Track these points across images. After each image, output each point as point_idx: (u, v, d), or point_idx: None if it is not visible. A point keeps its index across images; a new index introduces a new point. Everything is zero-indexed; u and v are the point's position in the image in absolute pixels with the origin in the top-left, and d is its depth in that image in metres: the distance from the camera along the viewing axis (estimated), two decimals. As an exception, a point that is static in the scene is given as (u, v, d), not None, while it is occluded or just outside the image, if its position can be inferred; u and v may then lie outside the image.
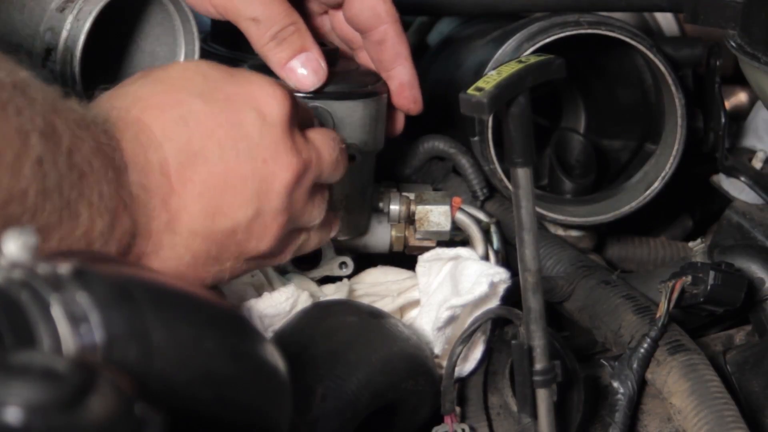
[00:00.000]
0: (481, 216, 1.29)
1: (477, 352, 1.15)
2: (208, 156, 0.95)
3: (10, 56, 0.87)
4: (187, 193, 0.94)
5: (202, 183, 0.94)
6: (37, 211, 0.81)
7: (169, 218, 0.93)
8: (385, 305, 1.20)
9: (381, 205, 1.28)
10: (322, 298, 1.20)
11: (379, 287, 1.23)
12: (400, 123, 1.27)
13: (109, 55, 1.28)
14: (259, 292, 1.19)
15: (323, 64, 1.15)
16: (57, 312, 0.63)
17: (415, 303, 1.21)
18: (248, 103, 0.97)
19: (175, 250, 0.94)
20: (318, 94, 1.17)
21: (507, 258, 1.27)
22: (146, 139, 0.92)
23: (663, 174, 1.34)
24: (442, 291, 1.16)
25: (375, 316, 1.13)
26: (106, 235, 0.87)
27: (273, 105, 0.98)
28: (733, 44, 1.22)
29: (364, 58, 1.26)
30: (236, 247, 0.98)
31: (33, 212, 0.80)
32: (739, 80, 1.47)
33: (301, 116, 1.04)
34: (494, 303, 1.14)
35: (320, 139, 1.05)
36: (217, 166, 0.95)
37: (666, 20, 1.64)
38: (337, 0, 1.20)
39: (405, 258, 1.28)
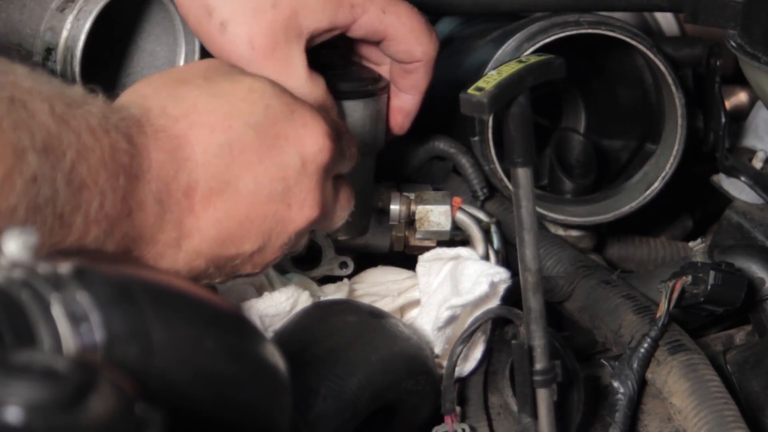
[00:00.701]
0: (482, 216, 1.29)
1: (477, 352, 1.15)
2: (240, 188, 0.94)
3: (21, 62, 0.85)
4: (206, 217, 0.93)
5: (225, 211, 0.93)
6: (25, 226, 0.79)
7: (178, 236, 0.92)
8: (386, 305, 1.20)
9: (381, 205, 1.28)
10: (322, 298, 1.20)
11: (379, 287, 1.23)
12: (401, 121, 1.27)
13: (109, 55, 1.28)
14: (259, 292, 1.19)
15: (354, 149, 1.10)
16: (57, 311, 0.63)
17: (416, 303, 1.21)
18: (295, 146, 0.96)
19: (174, 264, 0.93)
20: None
21: (507, 258, 1.27)
22: (183, 158, 0.91)
23: (663, 174, 1.34)
24: (442, 291, 1.16)
25: (375, 315, 1.13)
26: (101, 240, 0.85)
27: (317, 154, 0.97)
28: (733, 44, 1.22)
29: (381, 69, 1.25)
30: (231, 269, 0.99)
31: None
32: (739, 80, 1.47)
33: (341, 161, 1.03)
34: (494, 303, 1.14)
35: (343, 198, 1.05)
36: (245, 199, 0.94)
37: (666, 20, 1.64)
38: (375, 39, 1.19)
39: (405, 258, 1.28)
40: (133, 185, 0.87)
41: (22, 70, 0.84)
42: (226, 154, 0.93)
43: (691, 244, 1.45)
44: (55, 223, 0.81)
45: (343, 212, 1.06)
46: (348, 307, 1.16)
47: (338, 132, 1.02)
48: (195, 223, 0.92)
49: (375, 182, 1.28)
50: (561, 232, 1.38)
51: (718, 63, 1.35)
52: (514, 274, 1.10)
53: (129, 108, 0.91)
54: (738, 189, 1.36)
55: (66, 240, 0.82)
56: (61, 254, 0.72)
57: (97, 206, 0.84)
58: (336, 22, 1.13)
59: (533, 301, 0.98)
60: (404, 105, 1.24)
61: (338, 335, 1.09)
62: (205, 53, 1.26)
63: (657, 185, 1.34)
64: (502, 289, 1.14)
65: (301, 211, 0.98)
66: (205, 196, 0.92)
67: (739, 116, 1.53)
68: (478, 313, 1.13)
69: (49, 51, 1.18)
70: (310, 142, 0.97)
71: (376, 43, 1.19)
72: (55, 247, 0.82)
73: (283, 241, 0.99)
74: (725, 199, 1.37)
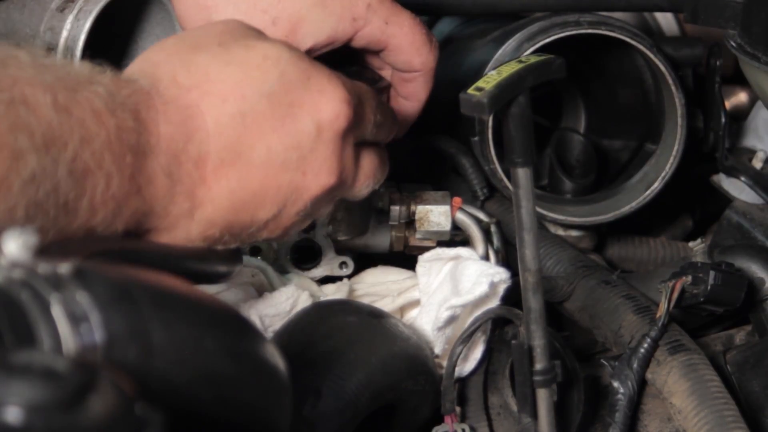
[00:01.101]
0: (482, 216, 1.29)
1: (477, 352, 1.15)
2: (253, 158, 0.93)
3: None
4: (218, 187, 0.92)
5: (238, 181, 0.93)
6: (27, 222, 0.79)
7: (191, 206, 0.91)
8: (385, 305, 1.20)
9: (381, 205, 1.28)
10: (322, 298, 1.20)
11: (379, 287, 1.23)
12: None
13: (109, 55, 1.28)
14: (259, 292, 1.19)
15: (382, 117, 1.09)
16: (57, 311, 0.63)
17: (415, 303, 1.21)
18: (310, 113, 0.95)
19: (188, 233, 0.93)
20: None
21: (507, 258, 1.27)
22: (193, 129, 0.90)
23: (663, 174, 1.34)
24: (442, 291, 1.16)
25: (375, 316, 1.13)
26: (110, 220, 0.85)
27: (333, 121, 0.96)
28: (733, 44, 1.22)
29: (382, 73, 1.25)
30: (247, 236, 0.98)
31: (22, 223, 0.78)
32: (739, 80, 1.47)
33: (364, 128, 1.02)
34: (494, 303, 1.14)
35: (368, 165, 1.04)
36: (259, 169, 0.93)
37: (666, 20, 1.65)
38: (376, 49, 1.19)
39: (405, 258, 1.28)
40: (140, 162, 0.86)
41: (25, 57, 0.83)
42: (239, 124, 0.92)
43: (691, 244, 1.45)
44: (58, 212, 0.81)
45: (367, 180, 1.04)
46: (348, 307, 1.16)
47: (360, 98, 1.00)
48: (207, 193, 0.92)
49: (375, 182, 1.28)
50: (561, 232, 1.38)
51: (718, 63, 1.35)
52: (514, 274, 1.10)
53: (138, 80, 0.90)
54: (738, 189, 1.36)
55: (72, 224, 0.82)
56: (68, 249, 0.72)
57: (103, 188, 0.84)
58: (336, 36, 1.13)
59: (533, 301, 0.98)
60: (402, 110, 1.23)
61: (338, 335, 1.09)
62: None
63: (657, 185, 1.34)
64: (502, 289, 1.14)
65: (316, 178, 0.97)
66: (216, 166, 0.91)
67: (739, 116, 1.53)
68: (478, 313, 1.13)
69: (50, 51, 1.18)
70: (326, 108, 0.96)
71: (377, 51, 1.19)
72: (61, 232, 0.81)
73: (299, 208, 0.98)
74: (725, 199, 1.37)
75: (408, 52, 1.18)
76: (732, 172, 1.36)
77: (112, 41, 1.27)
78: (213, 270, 0.99)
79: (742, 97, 1.63)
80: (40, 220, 0.80)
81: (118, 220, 0.86)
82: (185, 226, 0.92)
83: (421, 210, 1.25)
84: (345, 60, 1.23)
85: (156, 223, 0.90)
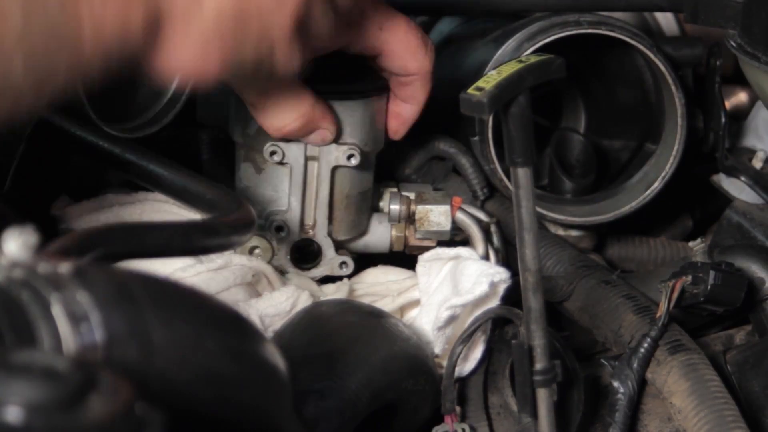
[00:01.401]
0: (482, 216, 1.30)
1: (477, 352, 1.15)
2: None
3: None
4: None
5: None
6: (28, 74, 0.80)
7: None
8: (385, 305, 1.20)
9: (381, 205, 1.28)
10: (322, 298, 1.20)
11: (379, 287, 1.23)
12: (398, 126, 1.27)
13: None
14: (259, 292, 1.19)
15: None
16: (57, 311, 0.63)
17: (415, 303, 1.21)
18: None
19: (204, 27, 0.92)
20: (318, 94, 1.17)
21: (507, 258, 1.27)
22: None
23: (663, 174, 1.34)
24: (442, 291, 1.16)
25: (375, 315, 1.13)
26: (118, 30, 0.86)
27: None
28: (733, 44, 1.22)
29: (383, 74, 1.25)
30: (257, 30, 0.96)
31: (23, 77, 0.80)
32: (739, 80, 1.47)
33: None
34: (494, 303, 1.14)
35: None
36: None
37: (666, 20, 1.65)
38: (372, 54, 1.19)
39: (405, 258, 1.28)
40: None
41: None
42: None
43: (691, 244, 1.45)
44: (63, 44, 0.82)
45: None
46: (348, 307, 1.16)
47: None
48: None
49: (375, 182, 1.28)
50: (561, 232, 1.38)
51: (718, 63, 1.35)
52: (514, 274, 1.10)
53: None
54: (738, 189, 1.36)
55: (82, 53, 0.83)
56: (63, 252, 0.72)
57: (100, 6, 0.84)
58: (330, 43, 1.13)
59: (533, 301, 0.98)
60: (401, 112, 1.24)
61: (338, 335, 1.09)
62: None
63: (657, 185, 1.34)
64: (502, 289, 1.14)
65: None
66: None
67: (739, 116, 1.53)
68: (478, 313, 1.13)
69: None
70: None
71: (372, 57, 1.19)
72: (72, 68, 0.83)
73: None
74: (725, 199, 1.37)
75: (403, 57, 1.18)
76: (732, 172, 1.36)
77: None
78: (222, 242, 0.98)
79: (742, 97, 1.63)
80: (45, 66, 0.81)
81: (131, 24, 0.87)
82: (198, 16, 0.92)
83: (421, 210, 1.25)
84: (344, 63, 1.23)
85: (168, 16, 0.90)
